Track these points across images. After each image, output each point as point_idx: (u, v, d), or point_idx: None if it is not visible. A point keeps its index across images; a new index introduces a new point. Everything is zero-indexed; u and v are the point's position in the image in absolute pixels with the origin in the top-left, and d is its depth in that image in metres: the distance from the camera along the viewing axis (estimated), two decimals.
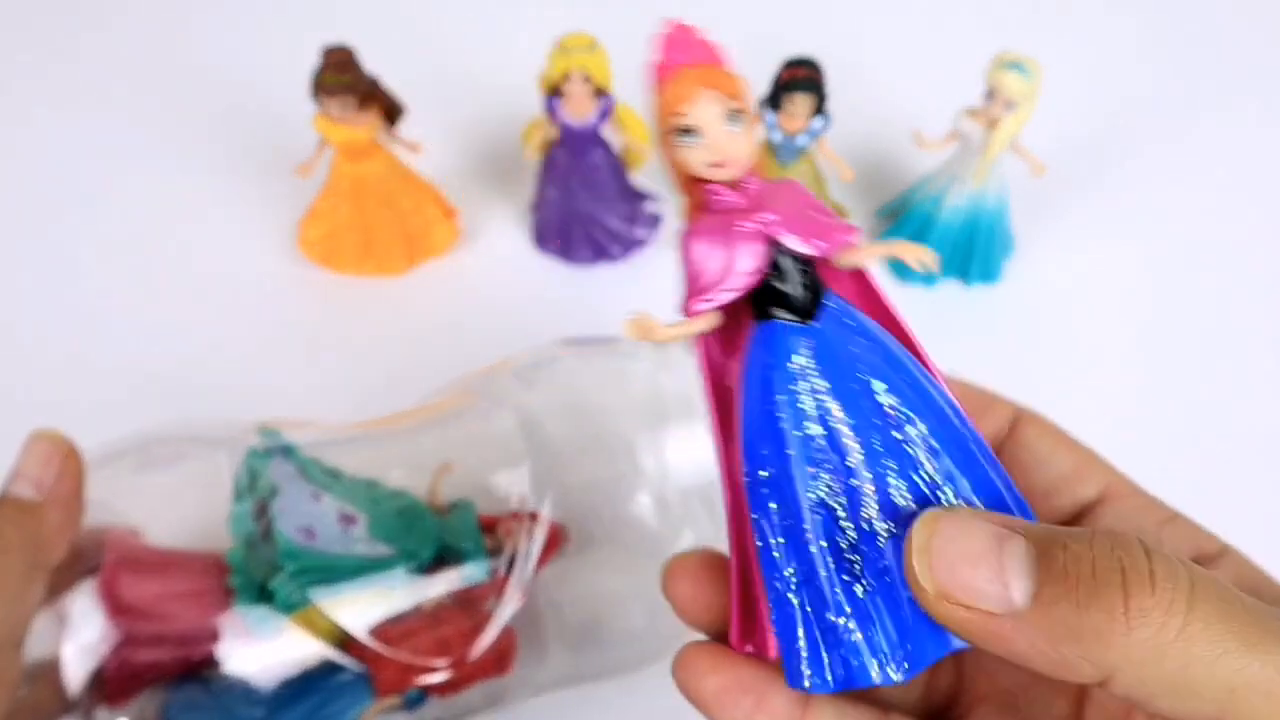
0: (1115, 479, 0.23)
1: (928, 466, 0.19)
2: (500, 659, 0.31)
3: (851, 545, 0.19)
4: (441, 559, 0.30)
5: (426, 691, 0.30)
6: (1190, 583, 0.15)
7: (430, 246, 0.53)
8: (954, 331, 0.52)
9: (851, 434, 0.19)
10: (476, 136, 0.59)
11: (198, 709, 0.27)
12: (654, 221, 0.54)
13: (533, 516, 0.31)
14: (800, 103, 0.47)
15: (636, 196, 0.53)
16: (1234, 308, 0.53)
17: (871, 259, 0.22)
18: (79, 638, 0.26)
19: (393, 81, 0.48)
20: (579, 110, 0.48)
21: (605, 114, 0.48)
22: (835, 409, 0.20)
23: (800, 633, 0.18)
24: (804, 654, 0.18)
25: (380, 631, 0.29)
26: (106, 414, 0.46)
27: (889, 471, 0.19)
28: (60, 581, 0.27)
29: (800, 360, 0.20)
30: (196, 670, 0.28)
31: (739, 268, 0.21)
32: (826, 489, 0.19)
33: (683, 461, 0.32)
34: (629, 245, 0.53)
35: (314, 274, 0.52)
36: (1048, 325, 0.52)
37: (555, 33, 0.47)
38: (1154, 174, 0.59)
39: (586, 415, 0.34)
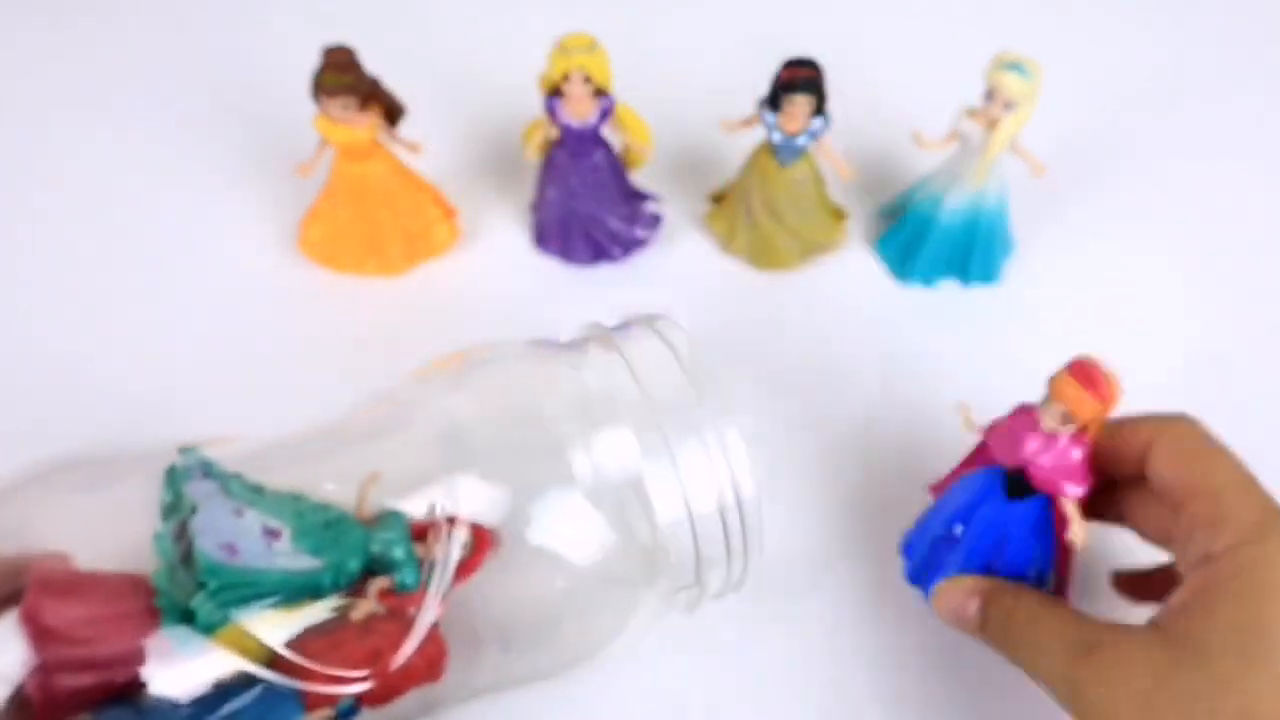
0: (1201, 486, 0.32)
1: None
2: (430, 665, 0.31)
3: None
4: (371, 570, 0.30)
5: (358, 702, 0.30)
6: (1018, 602, 0.34)
7: (430, 246, 0.53)
8: (953, 332, 0.52)
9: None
10: (476, 136, 0.59)
11: None
12: (654, 221, 0.54)
13: (451, 521, 0.31)
14: (800, 103, 0.47)
15: (637, 196, 0.53)
16: (1236, 308, 0.53)
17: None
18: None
19: (393, 82, 0.48)
20: (579, 110, 0.48)
21: (605, 114, 0.48)
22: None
23: None
24: None
25: (307, 644, 0.29)
26: (106, 412, 0.46)
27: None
28: None
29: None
30: (125, 693, 0.28)
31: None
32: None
33: (613, 462, 0.32)
34: (629, 245, 0.53)
35: (314, 274, 0.52)
36: (1047, 326, 0.52)
37: (555, 33, 0.47)
38: (1154, 174, 0.59)
39: (515, 417, 0.34)
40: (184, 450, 0.31)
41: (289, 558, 0.29)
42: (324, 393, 0.47)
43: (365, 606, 0.30)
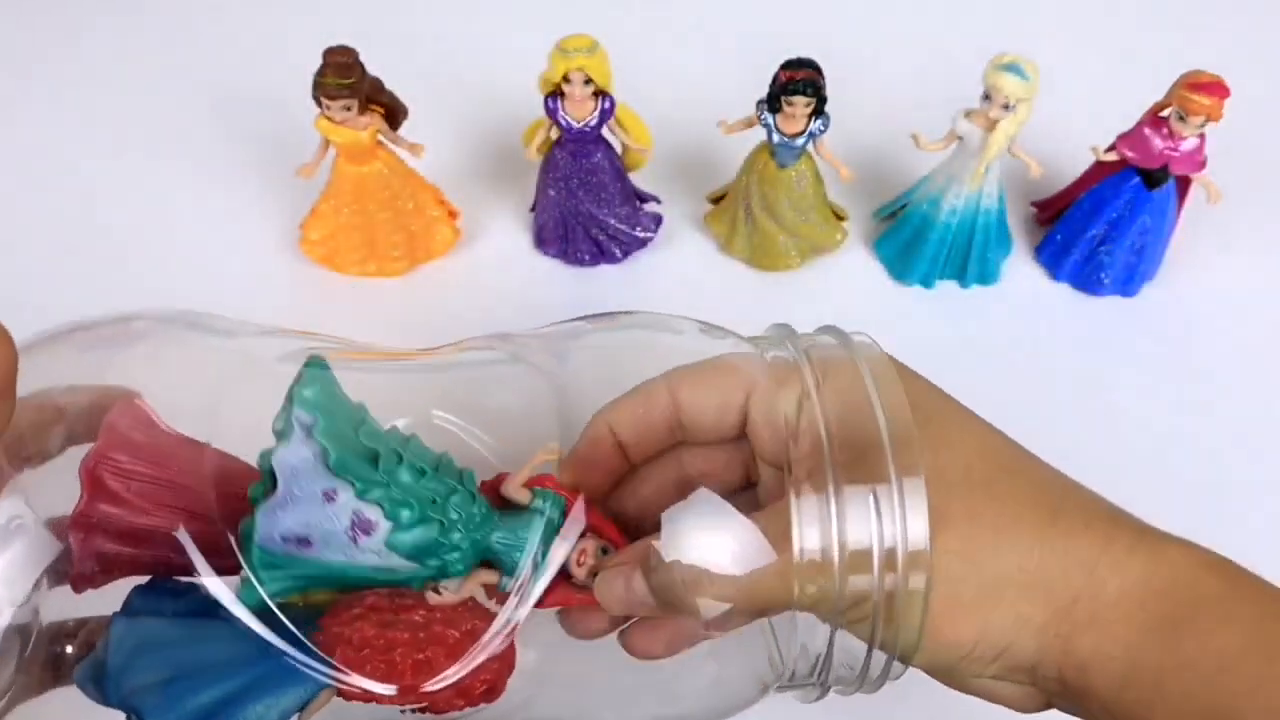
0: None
1: None
2: (491, 689, 0.28)
3: None
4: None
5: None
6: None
7: (431, 247, 0.53)
8: (951, 332, 0.52)
9: None
10: (477, 137, 0.60)
11: (158, 617, 0.25)
12: (654, 222, 0.54)
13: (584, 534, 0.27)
14: (799, 104, 0.47)
15: (636, 197, 0.54)
16: (1235, 306, 0.53)
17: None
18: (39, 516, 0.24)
19: (394, 83, 0.48)
20: (579, 111, 0.48)
21: (605, 115, 0.49)
22: None
23: None
24: None
25: (358, 630, 0.26)
26: None
27: None
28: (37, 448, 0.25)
29: None
30: (163, 578, 0.26)
31: None
32: None
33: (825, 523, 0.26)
34: (629, 245, 0.54)
35: (316, 274, 0.53)
36: (1046, 326, 0.52)
37: (555, 33, 0.47)
38: None
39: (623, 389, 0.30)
40: (311, 366, 0.27)
41: (376, 555, 0.25)
42: None
43: (447, 597, 0.26)
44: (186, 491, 0.26)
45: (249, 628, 0.25)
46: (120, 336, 0.29)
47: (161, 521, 0.25)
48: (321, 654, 0.26)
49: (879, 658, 0.26)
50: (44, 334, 0.28)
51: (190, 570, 0.25)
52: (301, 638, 0.26)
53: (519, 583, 0.27)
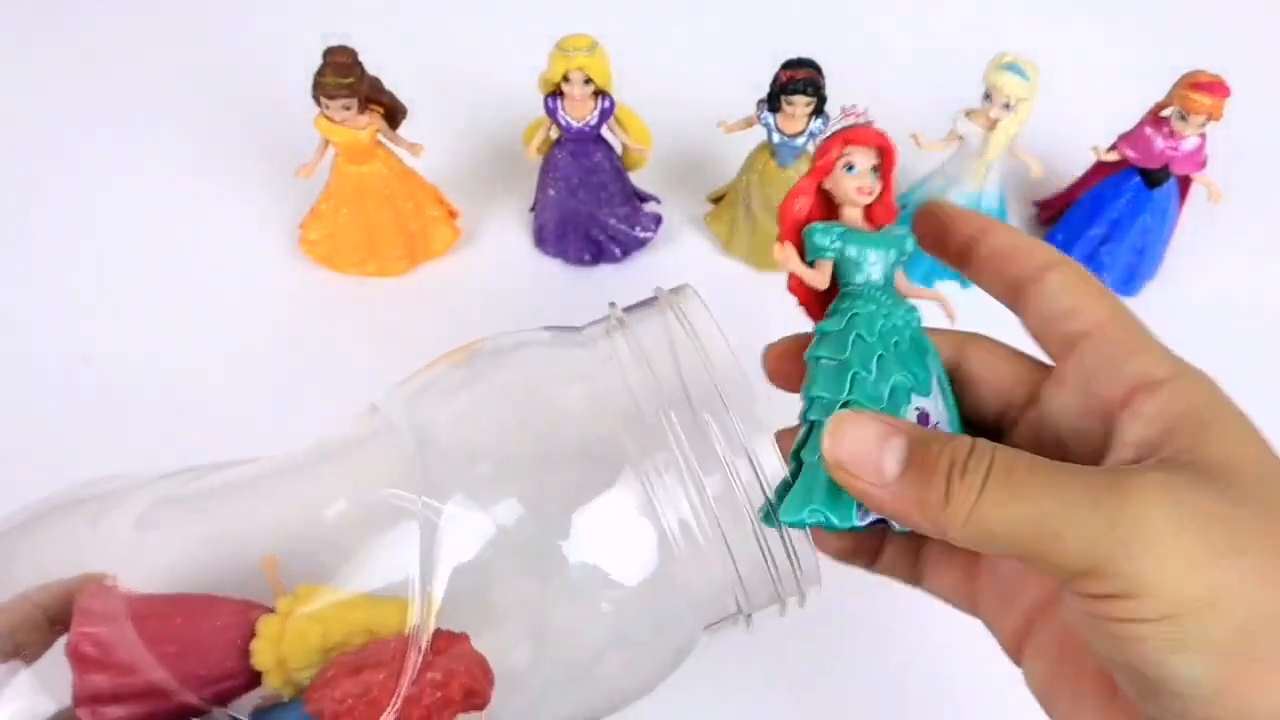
0: (1105, 317, 0.26)
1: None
2: (469, 694, 0.29)
3: None
4: None
5: None
6: (987, 467, 0.22)
7: (431, 247, 0.53)
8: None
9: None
10: (476, 137, 0.60)
11: None
12: (654, 221, 0.54)
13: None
14: (799, 104, 0.47)
15: (636, 196, 0.53)
16: (1236, 305, 0.53)
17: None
18: (13, 708, 0.26)
19: (393, 82, 0.48)
20: (579, 111, 0.48)
21: (605, 114, 0.48)
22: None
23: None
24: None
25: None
26: (106, 411, 0.46)
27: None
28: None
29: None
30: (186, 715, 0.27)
31: None
32: None
33: (663, 471, 0.28)
34: (629, 245, 0.54)
35: (316, 274, 0.52)
36: None
37: (555, 33, 0.47)
38: None
39: (544, 419, 0.31)
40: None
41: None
42: (324, 393, 0.47)
43: None
44: (170, 640, 0.28)
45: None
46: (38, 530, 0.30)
47: (153, 675, 0.27)
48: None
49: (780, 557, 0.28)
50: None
51: (195, 709, 0.27)
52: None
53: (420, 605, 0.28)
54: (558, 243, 0.53)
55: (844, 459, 0.24)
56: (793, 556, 0.28)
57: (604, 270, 0.54)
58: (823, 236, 0.27)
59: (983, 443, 0.23)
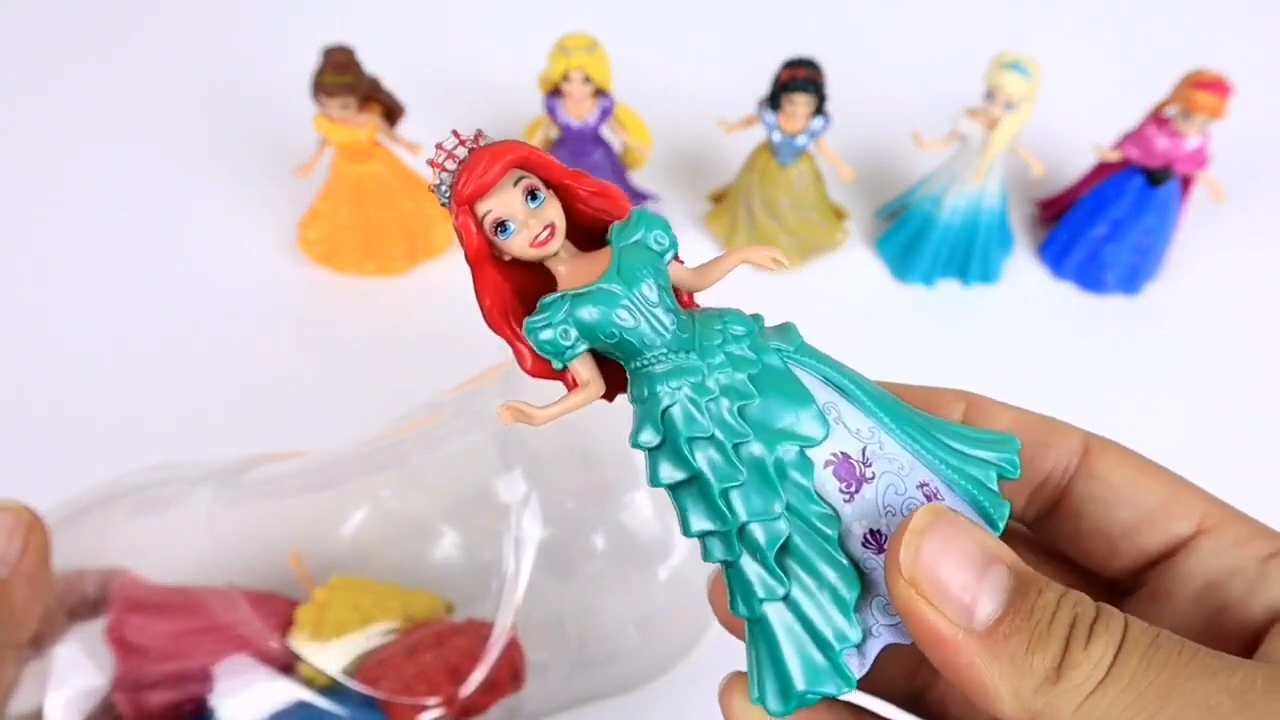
0: (1212, 508, 0.21)
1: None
2: (514, 677, 0.31)
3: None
4: None
5: (446, 715, 0.30)
6: (1121, 638, 0.16)
7: (430, 246, 0.53)
8: (952, 331, 0.52)
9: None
10: None
11: None
12: None
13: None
14: (800, 103, 0.47)
15: (636, 197, 0.53)
16: (1238, 303, 0.53)
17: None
18: (70, 687, 0.26)
19: (393, 82, 0.48)
20: (579, 110, 0.48)
21: (605, 114, 0.48)
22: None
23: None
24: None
25: (387, 662, 0.29)
26: (107, 411, 0.46)
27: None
28: (51, 633, 0.27)
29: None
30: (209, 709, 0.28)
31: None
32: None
33: None
34: None
35: (315, 274, 0.52)
36: (1046, 325, 0.52)
37: (555, 33, 0.47)
38: None
39: (572, 426, 0.33)
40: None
41: None
42: (324, 392, 0.47)
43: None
44: (206, 628, 0.29)
45: (313, 705, 0.28)
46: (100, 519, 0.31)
47: (194, 660, 0.28)
48: (371, 693, 0.29)
49: None
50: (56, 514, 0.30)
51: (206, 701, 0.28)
52: (350, 684, 0.29)
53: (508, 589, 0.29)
54: None
55: (922, 582, 0.17)
56: None
57: None
58: (550, 329, 0.19)
59: (1106, 606, 0.17)
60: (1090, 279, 0.53)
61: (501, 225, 0.18)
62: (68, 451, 0.45)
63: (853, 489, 0.19)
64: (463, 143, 0.18)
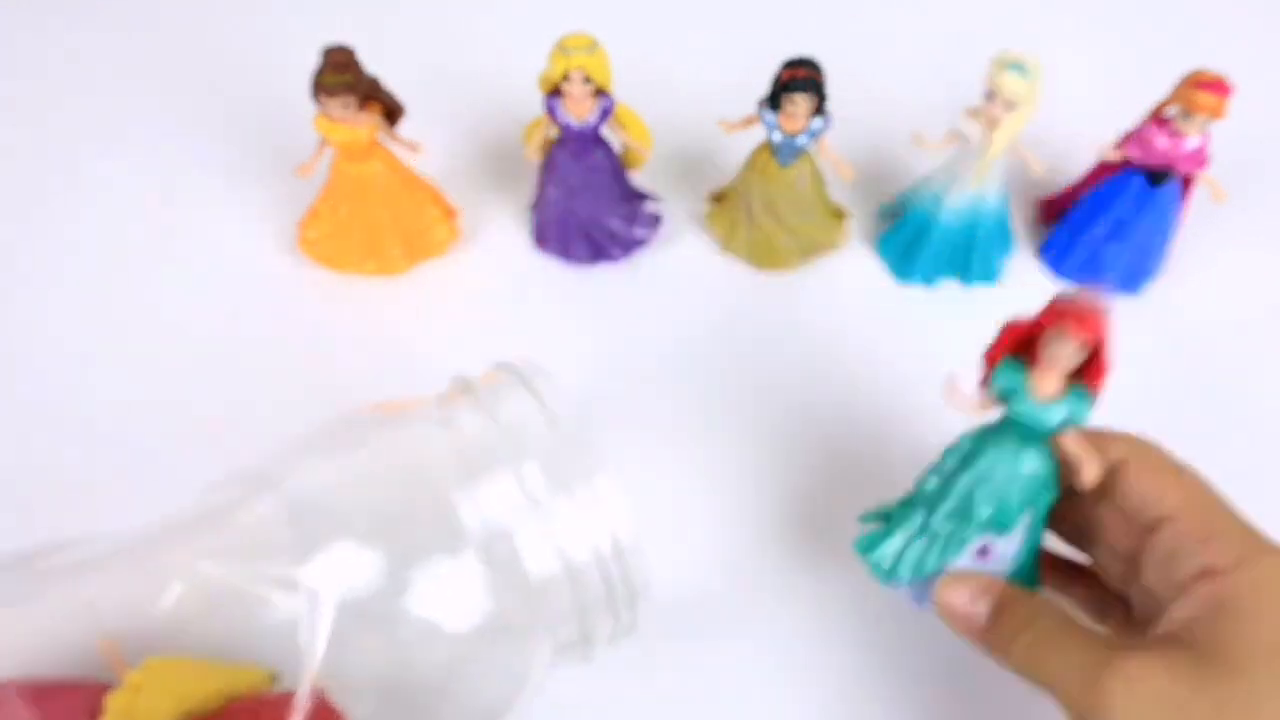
0: (1181, 503, 0.32)
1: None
2: None
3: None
4: None
5: None
6: (1036, 615, 0.32)
7: (430, 246, 0.53)
8: (953, 331, 0.51)
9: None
10: (476, 136, 0.59)
11: None
12: (654, 222, 0.54)
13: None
14: (800, 103, 0.47)
15: (636, 197, 0.53)
16: (1240, 304, 0.53)
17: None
18: None
19: (393, 81, 0.48)
20: (579, 110, 0.48)
21: (605, 114, 0.48)
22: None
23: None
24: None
25: None
26: (107, 410, 0.46)
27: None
28: None
29: None
30: None
31: None
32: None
33: (492, 517, 0.31)
34: (629, 245, 0.53)
35: (315, 274, 0.52)
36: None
37: (555, 33, 0.47)
38: None
39: (387, 480, 0.33)
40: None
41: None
42: (323, 392, 0.47)
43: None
44: None
45: None
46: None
47: None
48: None
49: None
50: None
51: None
52: None
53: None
54: (558, 241, 0.53)
55: (944, 611, 0.34)
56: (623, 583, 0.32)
57: (604, 269, 0.54)
58: (1001, 378, 0.34)
59: (1045, 603, 0.32)
60: (1091, 280, 0.53)
61: (1053, 339, 0.34)
62: (60, 452, 0.45)
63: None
64: (1082, 298, 0.34)
